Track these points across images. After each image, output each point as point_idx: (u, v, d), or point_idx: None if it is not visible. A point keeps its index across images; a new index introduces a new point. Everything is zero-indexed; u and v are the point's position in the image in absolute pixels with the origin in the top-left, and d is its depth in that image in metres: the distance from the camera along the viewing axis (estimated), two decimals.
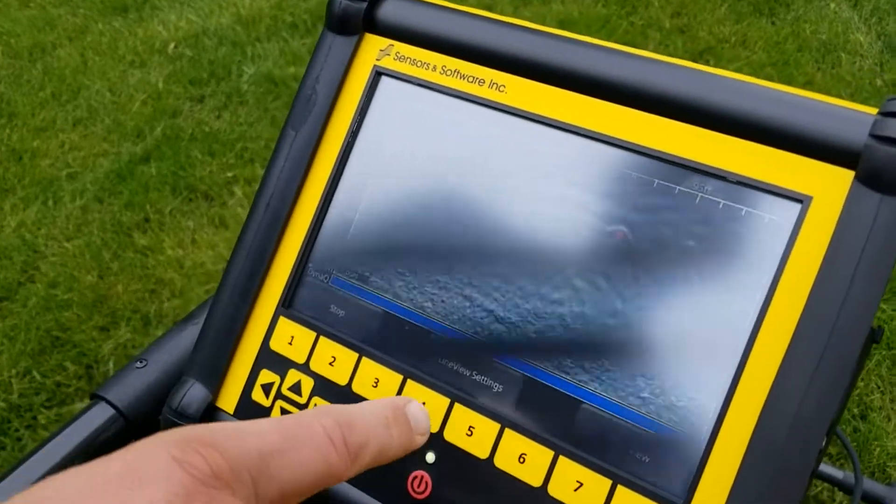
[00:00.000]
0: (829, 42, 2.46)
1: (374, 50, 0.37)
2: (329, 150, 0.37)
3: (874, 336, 0.29)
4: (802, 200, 0.29)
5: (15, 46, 2.57)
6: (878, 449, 1.43)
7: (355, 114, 0.37)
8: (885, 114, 0.28)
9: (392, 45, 0.36)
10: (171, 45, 2.52)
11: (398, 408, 0.25)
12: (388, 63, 0.36)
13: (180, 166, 2.08)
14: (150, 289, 1.76)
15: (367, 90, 0.37)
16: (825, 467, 1.33)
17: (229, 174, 2.06)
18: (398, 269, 0.34)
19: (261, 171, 2.06)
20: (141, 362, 0.47)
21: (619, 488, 0.29)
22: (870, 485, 1.30)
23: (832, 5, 2.61)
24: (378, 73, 0.37)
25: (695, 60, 2.38)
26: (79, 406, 1.56)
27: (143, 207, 1.96)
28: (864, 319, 0.27)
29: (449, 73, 0.35)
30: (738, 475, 0.27)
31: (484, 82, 0.34)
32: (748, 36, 2.50)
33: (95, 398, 0.43)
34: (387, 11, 0.36)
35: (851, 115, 0.28)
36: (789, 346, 0.27)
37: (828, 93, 2.15)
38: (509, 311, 0.31)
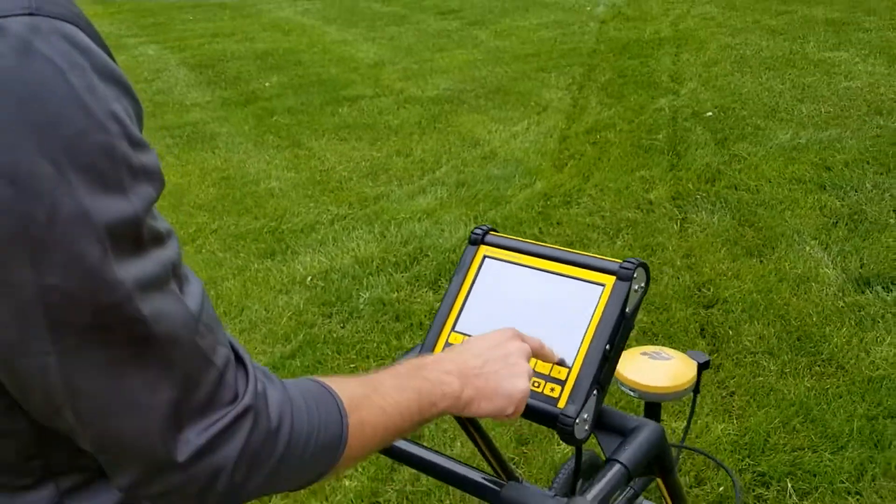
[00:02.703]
0: (803, 275, 3.22)
1: (483, 250, 1.16)
2: (468, 280, 1.15)
3: (629, 323, 1.04)
4: (604, 284, 1.05)
5: None
6: None
7: (476, 271, 1.15)
8: (622, 266, 1.05)
9: (491, 248, 1.16)
10: (308, 279, 3.44)
11: (545, 348, 1.01)
12: (489, 253, 1.16)
13: (317, 360, 2.88)
14: None
15: (480, 262, 1.15)
16: None
17: (352, 366, 2.85)
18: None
19: (374, 364, 2.85)
20: None
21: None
22: None
23: (807, 248, 3.41)
24: (485, 256, 1.15)
25: (699, 289, 3.14)
26: None
27: None
28: (616, 312, 1.02)
29: (504, 258, 1.14)
30: (579, 372, 1.01)
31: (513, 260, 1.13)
32: (741, 271, 3.28)
33: None
34: (489, 239, 1.16)
35: (614, 263, 1.06)
36: (596, 328, 1.02)
37: (799, 312, 2.85)
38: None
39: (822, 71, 5.59)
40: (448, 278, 3.36)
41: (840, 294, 3.09)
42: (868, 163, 4.15)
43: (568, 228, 3.76)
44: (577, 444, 1.01)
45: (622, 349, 1.05)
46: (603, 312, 1.03)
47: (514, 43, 7.37)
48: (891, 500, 2.15)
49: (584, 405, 0.99)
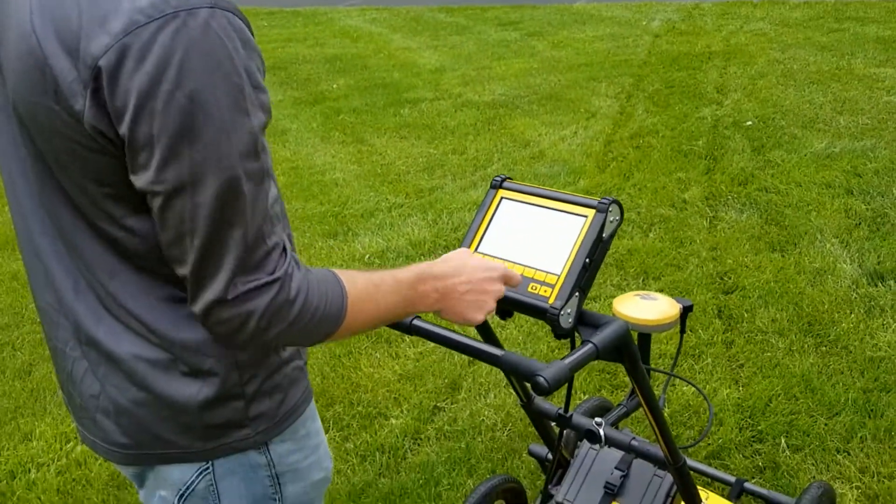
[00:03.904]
0: (821, 268, 3.47)
1: (501, 193, 1.51)
2: (489, 214, 1.49)
3: (605, 245, 1.37)
4: (587, 215, 1.38)
5: None
6: None
7: (495, 208, 1.49)
8: (600, 202, 1.38)
9: (506, 191, 1.50)
10: (367, 256, 3.82)
11: (514, 273, 1.30)
12: (505, 195, 1.50)
13: None
14: (353, 387, 2.87)
15: (499, 202, 1.50)
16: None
17: None
18: None
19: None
20: None
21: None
22: (782, 498, 2.16)
23: (828, 245, 3.65)
24: (502, 198, 1.50)
25: (721, 277, 3.42)
26: None
27: (348, 346, 3.12)
28: (595, 235, 1.36)
29: (516, 199, 1.48)
30: (565, 278, 1.35)
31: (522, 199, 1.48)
32: (762, 263, 3.55)
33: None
34: (506, 184, 1.51)
35: (595, 200, 1.39)
36: (579, 246, 1.36)
37: (812, 300, 3.11)
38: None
39: (866, 86, 5.78)
40: None
41: (854, 286, 3.34)
42: None
43: None
44: (564, 332, 1.34)
45: (599, 265, 1.38)
46: (585, 235, 1.36)
47: (569, 53, 7.69)
48: (876, 459, 2.42)
49: (567, 302, 1.33)
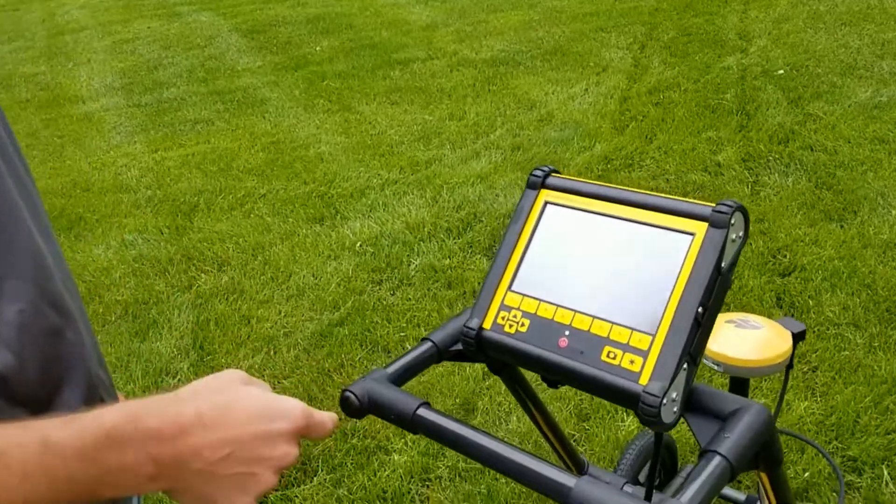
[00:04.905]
0: (890, 241, 2.95)
1: (544, 195, 0.98)
2: (527, 230, 0.97)
3: (725, 281, 0.85)
4: (694, 232, 0.86)
5: (242, 245, 3.41)
6: None
7: (536, 219, 0.97)
8: (716, 210, 0.86)
9: (553, 192, 0.98)
10: (358, 244, 3.29)
11: (331, 419, 0.73)
12: (551, 198, 0.97)
13: (365, 329, 2.74)
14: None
15: (541, 209, 0.97)
16: None
17: (402, 334, 2.70)
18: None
19: (425, 332, 2.69)
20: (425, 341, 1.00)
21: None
22: None
23: (894, 212, 3.13)
24: (546, 202, 0.97)
25: (773, 256, 2.90)
26: None
27: (340, 357, 2.61)
28: (710, 267, 0.84)
29: (570, 204, 0.96)
30: (664, 341, 0.83)
31: (581, 204, 0.95)
32: (820, 237, 3.02)
33: (425, 339, 1.00)
34: (551, 181, 0.98)
35: (706, 207, 0.87)
36: (685, 286, 0.84)
37: (887, 281, 2.59)
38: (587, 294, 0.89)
39: None
40: None
41: None
42: None
43: None
44: (665, 429, 0.83)
45: (717, 313, 0.86)
46: (693, 267, 0.84)
47: (571, 2, 7.07)
48: None
49: (672, 382, 0.81)
